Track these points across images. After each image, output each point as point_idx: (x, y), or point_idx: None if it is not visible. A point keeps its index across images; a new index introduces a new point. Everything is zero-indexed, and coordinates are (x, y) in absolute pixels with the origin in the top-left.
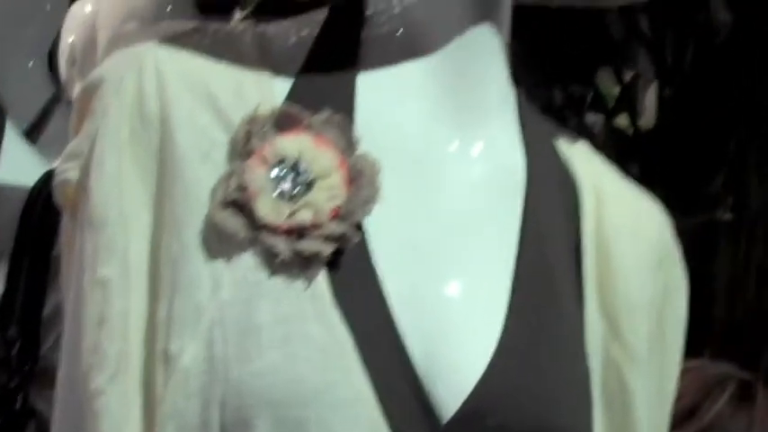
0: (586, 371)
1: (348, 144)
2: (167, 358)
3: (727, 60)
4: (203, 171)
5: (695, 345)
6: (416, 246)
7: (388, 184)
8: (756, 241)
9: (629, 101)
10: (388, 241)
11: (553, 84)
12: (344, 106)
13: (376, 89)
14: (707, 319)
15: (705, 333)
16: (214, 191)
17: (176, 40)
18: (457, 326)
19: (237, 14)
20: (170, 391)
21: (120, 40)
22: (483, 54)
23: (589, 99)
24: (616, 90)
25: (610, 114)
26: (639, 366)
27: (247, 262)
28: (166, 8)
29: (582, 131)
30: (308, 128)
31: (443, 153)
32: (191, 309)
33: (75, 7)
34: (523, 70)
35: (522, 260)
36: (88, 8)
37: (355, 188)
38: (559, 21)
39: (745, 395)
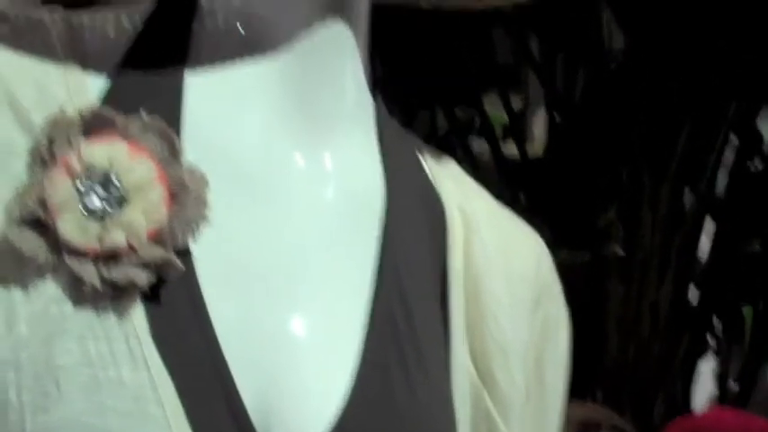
0: (453, 426)
1: (170, 153)
2: None
3: (620, 87)
4: None
5: (585, 387)
6: (254, 276)
7: (220, 202)
8: (650, 279)
9: (517, 127)
10: (220, 270)
11: (437, 107)
12: (169, 110)
13: (208, 92)
14: (598, 360)
15: (596, 374)
16: (9, 206)
17: None
18: (300, 370)
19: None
20: None
21: None
22: (335, 55)
23: (476, 124)
24: (503, 116)
25: (497, 141)
26: (514, 416)
27: (49, 292)
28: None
29: (467, 158)
30: (123, 134)
31: (288, 168)
32: None
33: None
34: (404, 91)
35: (377, 297)
36: None
37: (178, 206)
38: (444, 41)
39: None
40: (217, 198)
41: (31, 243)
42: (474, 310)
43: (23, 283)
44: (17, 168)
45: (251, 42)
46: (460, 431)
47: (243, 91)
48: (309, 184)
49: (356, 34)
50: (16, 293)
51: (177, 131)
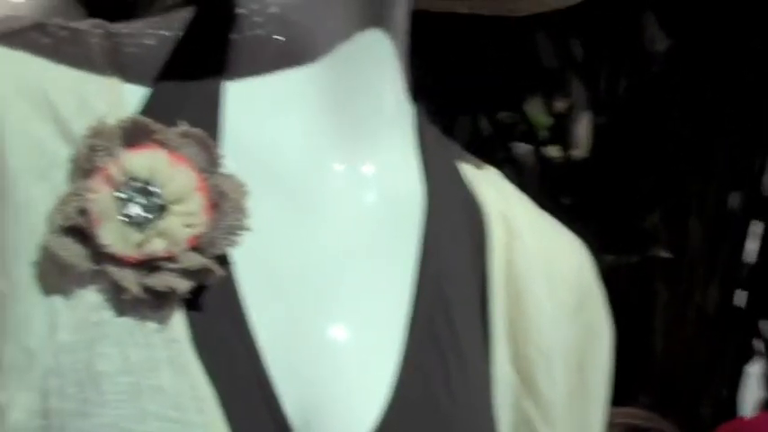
0: (493, 430)
1: (210, 162)
2: None
3: (664, 89)
4: (38, 191)
5: (630, 390)
6: (293, 283)
7: (260, 210)
8: (696, 282)
9: (561, 131)
10: (260, 277)
11: (479, 111)
12: (208, 119)
13: (247, 100)
14: (644, 364)
15: (641, 378)
16: (51, 215)
17: (10, 37)
18: (340, 376)
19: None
20: None
21: None
22: (374, 63)
23: (519, 128)
24: (546, 119)
25: (540, 144)
26: (557, 423)
27: (89, 299)
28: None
29: (510, 162)
30: (163, 143)
31: (327, 176)
32: (21, 353)
33: None
34: (447, 96)
35: (418, 303)
36: None
37: (218, 214)
38: (487, 45)
39: None
40: (256, 205)
41: (72, 251)
42: (516, 315)
43: (65, 291)
44: (58, 178)
45: (289, 51)
46: None
47: (281, 99)
48: (349, 191)
49: (394, 41)
50: (58, 301)
51: (216, 140)
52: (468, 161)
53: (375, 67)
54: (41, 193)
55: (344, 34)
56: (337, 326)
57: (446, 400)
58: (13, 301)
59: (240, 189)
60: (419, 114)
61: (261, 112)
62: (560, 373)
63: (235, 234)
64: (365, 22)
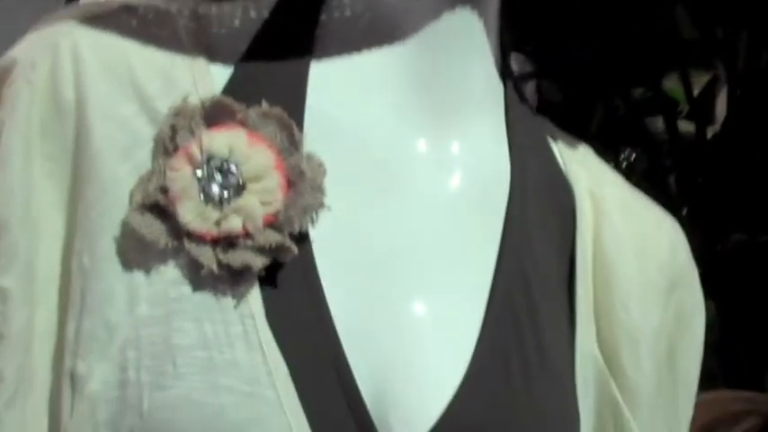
0: (575, 414)
1: (289, 141)
2: (74, 380)
3: None
4: (123, 169)
5: (758, 374)
6: (371, 262)
7: (340, 189)
8: None
9: (702, 106)
10: (337, 256)
11: (613, 87)
12: (292, 99)
13: (332, 80)
14: None
15: None
16: (133, 193)
17: (99, 19)
18: (416, 356)
19: None
20: (76, 421)
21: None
22: (462, 43)
23: (654, 104)
24: (682, 93)
25: (676, 119)
26: (642, 407)
27: (168, 274)
28: None
29: (643, 136)
30: (243, 123)
31: (411, 157)
32: (101, 326)
33: None
34: (580, 70)
35: (499, 282)
36: None
37: (294, 193)
38: (625, 21)
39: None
40: (339, 185)
41: (153, 228)
42: (603, 294)
43: (145, 266)
44: (141, 156)
45: (377, 30)
46: (584, 419)
47: (368, 79)
48: (433, 171)
49: (484, 19)
50: (138, 276)
51: (300, 120)
52: (560, 138)
53: (464, 46)
54: (125, 171)
55: (433, 14)
56: (416, 305)
57: (521, 382)
58: (94, 276)
59: (319, 168)
60: (509, 92)
61: (346, 92)
62: (647, 355)
63: (312, 213)
64: (454, 0)
